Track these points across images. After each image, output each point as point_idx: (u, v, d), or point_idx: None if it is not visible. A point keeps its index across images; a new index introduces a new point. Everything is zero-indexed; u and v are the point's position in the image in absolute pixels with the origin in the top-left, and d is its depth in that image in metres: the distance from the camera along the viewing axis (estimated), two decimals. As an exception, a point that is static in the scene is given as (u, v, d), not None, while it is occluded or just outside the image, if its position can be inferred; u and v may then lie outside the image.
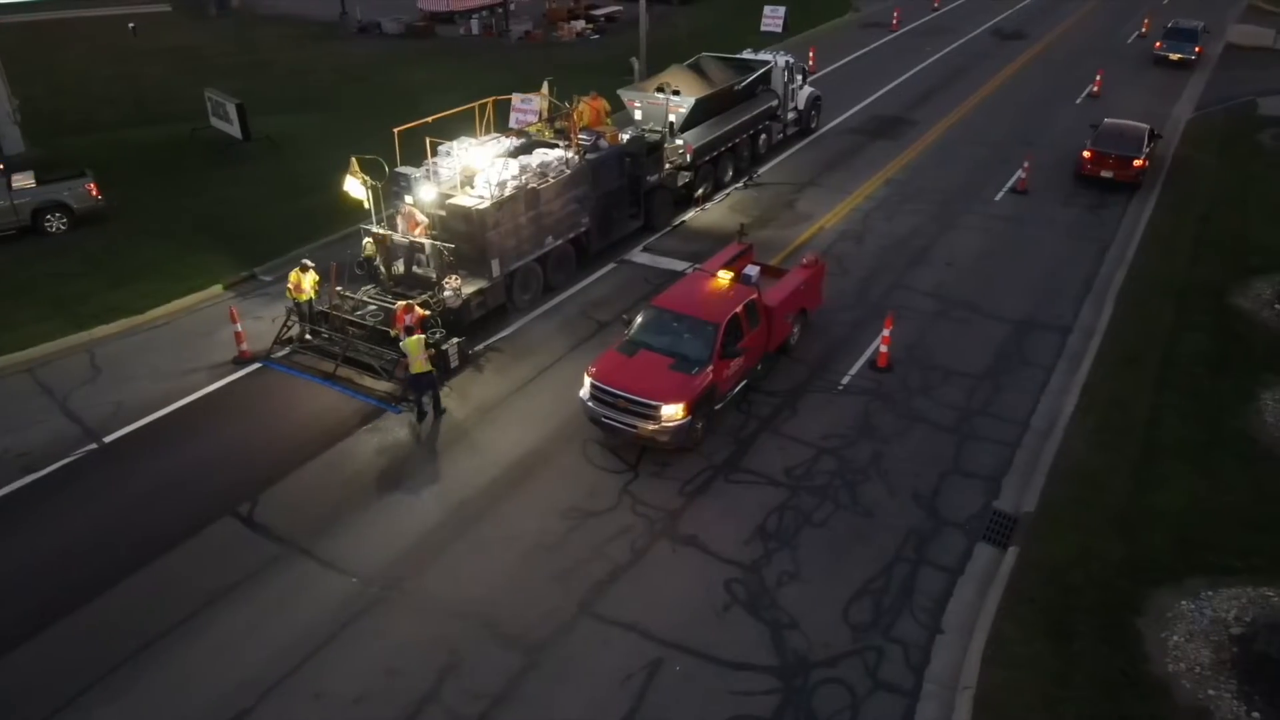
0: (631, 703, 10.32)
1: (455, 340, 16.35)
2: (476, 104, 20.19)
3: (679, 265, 20.41)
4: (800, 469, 14.04)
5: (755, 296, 15.34)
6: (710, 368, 14.16)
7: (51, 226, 21.87)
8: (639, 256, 21.08)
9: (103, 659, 10.90)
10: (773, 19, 41.91)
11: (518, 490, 13.70)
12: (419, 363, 14.72)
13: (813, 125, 29.50)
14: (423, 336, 15.01)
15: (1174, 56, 35.04)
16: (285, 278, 19.88)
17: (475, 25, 45.49)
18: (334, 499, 13.49)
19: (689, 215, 23.38)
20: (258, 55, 41.13)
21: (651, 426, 13.69)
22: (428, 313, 16.05)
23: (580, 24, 44.37)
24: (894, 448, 14.53)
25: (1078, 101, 31.98)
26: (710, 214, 23.49)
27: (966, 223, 22.60)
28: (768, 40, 37.10)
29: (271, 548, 12.59)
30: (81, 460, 14.35)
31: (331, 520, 13.09)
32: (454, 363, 16.27)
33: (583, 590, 11.83)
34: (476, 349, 17.20)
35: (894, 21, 43.71)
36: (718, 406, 14.73)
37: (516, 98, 29.18)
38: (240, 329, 16.90)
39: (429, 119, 18.73)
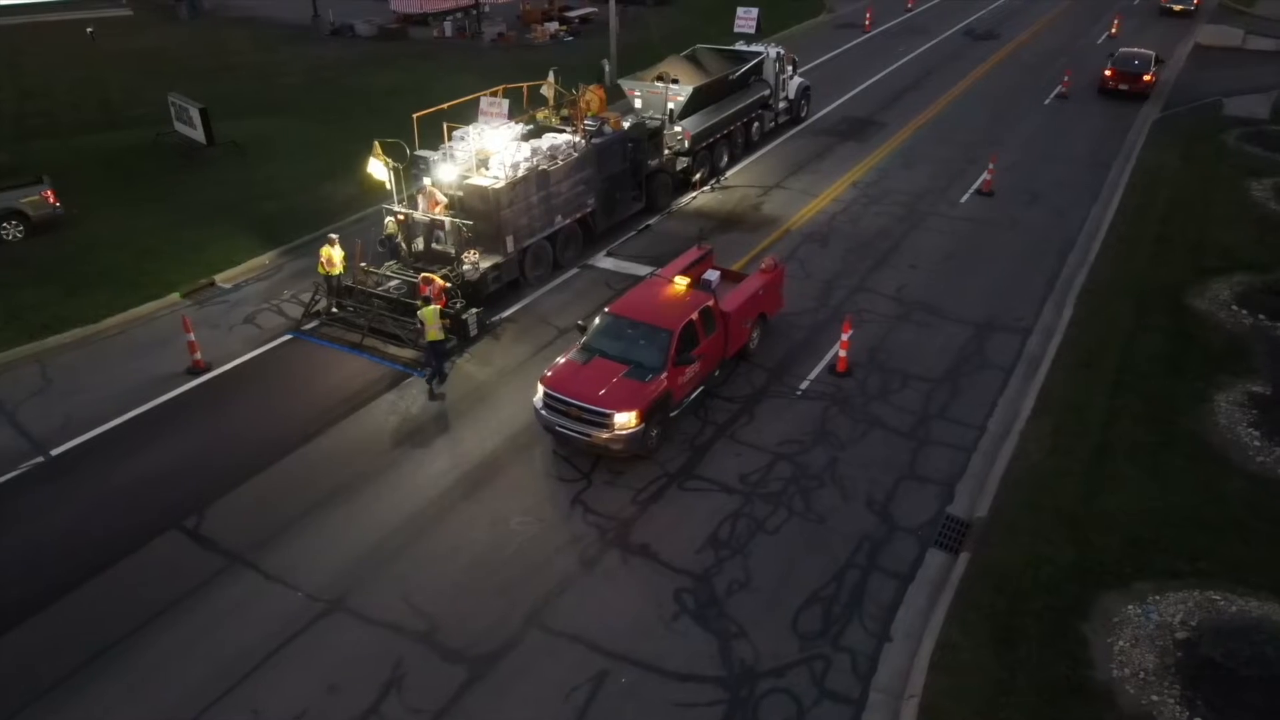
0: (575, 716, 10.23)
1: (474, 310, 17.44)
2: (488, 92, 21.34)
3: (641, 270, 20.34)
4: (755, 476, 13.99)
5: (711, 302, 15.28)
6: (664, 375, 14.09)
7: (7, 234, 21.56)
8: (602, 262, 20.99)
9: (38, 678, 10.72)
10: (745, 20, 41.79)
11: (470, 499, 13.59)
12: (433, 331, 15.63)
13: (802, 114, 30.64)
14: (438, 307, 15.90)
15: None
16: (244, 285, 19.86)
17: (449, 27, 45.25)
18: (285, 509, 13.33)
19: (687, 199, 24.34)
20: (227, 58, 40.76)
21: (604, 435, 13.60)
22: (448, 284, 17.00)
23: (554, 26, 44.21)
24: (850, 453, 14.51)
25: (1046, 102, 32.13)
26: (672, 222, 23.40)
27: (932, 225, 22.63)
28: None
29: (217, 561, 12.43)
30: (27, 474, 14.12)
31: (281, 530, 12.94)
32: (473, 331, 17.40)
33: (530, 601, 11.73)
34: (493, 320, 18.21)
35: (867, 22, 43.81)
36: (673, 414, 14.66)
37: (484, 98, 29.17)
38: (193, 338, 16.68)
39: (445, 105, 20.19)
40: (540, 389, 14.25)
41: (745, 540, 12.75)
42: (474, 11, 45.71)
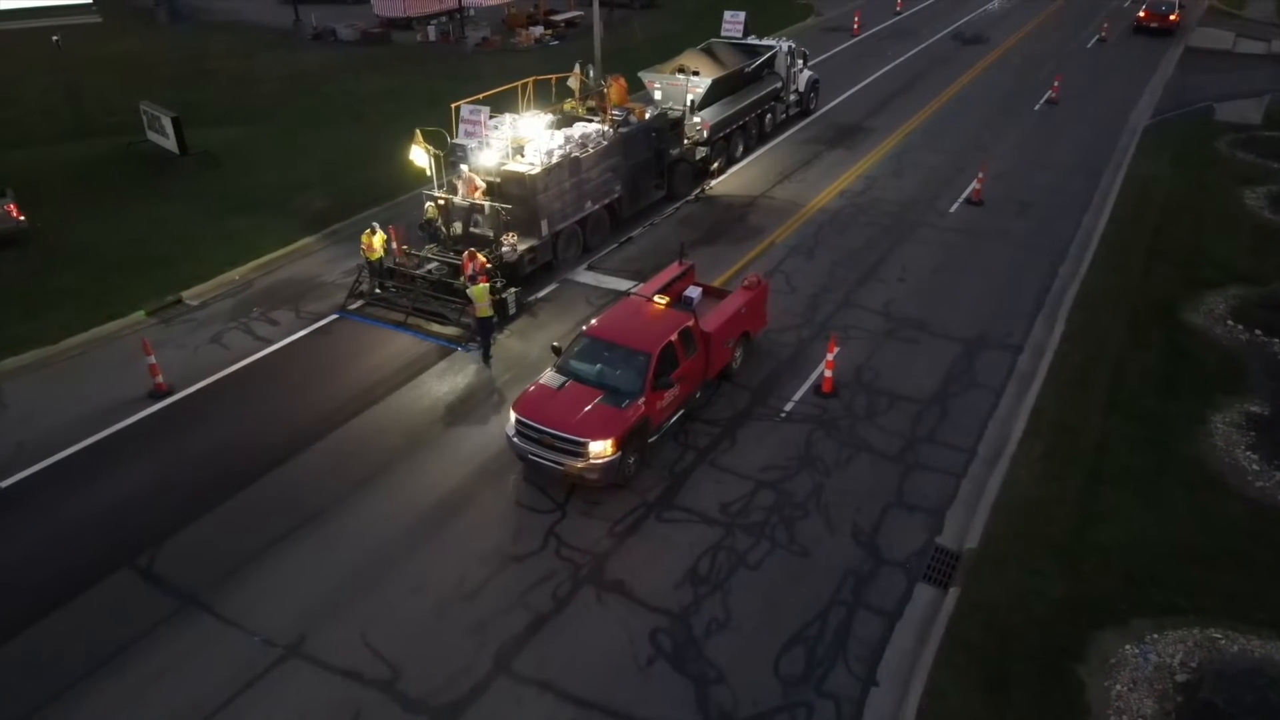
0: (543, 772, 9.67)
1: (513, 290, 18.36)
2: (519, 83, 22.26)
3: (621, 284, 19.79)
4: (737, 505, 13.44)
5: (691, 323, 14.72)
6: (642, 400, 13.54)
7: (-33, 250, 20.91)
8: (582, 276, 20.41)
9: (-26, 734, 10.12)
10: (733, 24, 41.17)
11: (439, 533, 12.99)
12: (484, 308, 16.41)
13: (811, 106, 31.39)
14: (488, 285, 16.74)
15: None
16: (211, 303, 19.25)
17: (432, 31, 44.60)
18: (245, 542, 12.73)
19: (705, 187, 25.07)
20: (206, 64, 40.02)
21: (579, 464, 13.04)
22: (488, 263, 17.81)
23: (539, 30, 43.63)
24: (835, 479, 13.97)
25: (1036, 108, 31.68)
26: (653, 234, 22.85)
27: (921, 235, 22.13)
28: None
29: (169, 603, 11.81)
30: (-26, 507, 13.49)
31: (239, 566, 12.34)
32: (512, 310, 18.32)
33: (498, 645, 11.15)
34: (529, 299, 19.09)
35: (855, 26, 43.35)
36: (652, 439, 14.11)
37: (464, 106, 28.61)
38: (154, 361, 16.03)
39: (480, 96, 20.97)
40: (512, 415, 13.68)
41: (725, 575, 12.20)
42: (458, 15, 45.07)
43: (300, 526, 13.11)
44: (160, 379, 16.11)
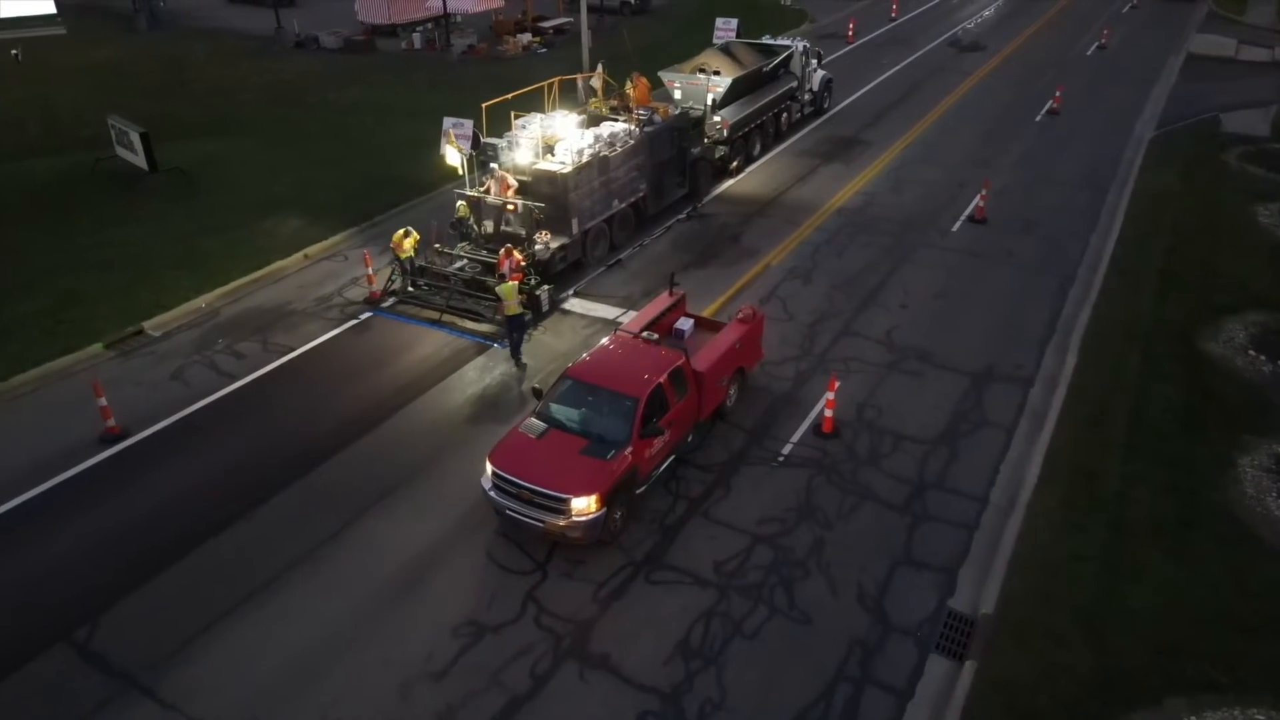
0: None
1: (546, 287, 18.58)
2: (545, 83, 22.78)
3: (610, 312, 18.77)
4: (732, 564, 12.40)
5: (682, 362, 13.69)
6: (629, 450, 12.49)
7: (-83, 276, 19.77)
8: (568, 302, 19.34)
9: None
10: (725, 31, 40.33)
11: (407, 598, 11.92)
12: (513, 306, 16.41)
13: (825, 105, 31.72)
14: (517, 283, 16.74)
15: None
16: (174, 334, 18.19)
17: (418, 39, 43.54)
18: (196, 611, 11.65)
19: (725, 185, 25.40)
20: (184, 73, 38.85)
21: (561, 522, 11.99)
22: (522, 260, 17.89)
23: (527, 37, 42.58)
24: (838, 533, 12.95)
25: (1038, 119, 30.76)
26: (643, 257, 21.83)
27: (922, 257, 21.14)
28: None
29: (105, 686, 10.70)
30: (-100, 571, 12.37)
31: (189, 640, 11.25)
32: (545, 306, 18.52)
33: (470, 734, 10.10)
34: (561, 296, 19.24)
35: (850, 33, 42.42)
36: (640, 490, 13.07)
37: (448, 119, 27.59)
38: (105, 403, 14.92)
39: (510, 95, 21.44)
40: (488, 466, 12.62)
41: (720, 646, 11.16)
42: (444, 22, 44.00)
43: (257, 592, 12.02)
44: (112, 422, 15.00)
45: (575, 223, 19.65)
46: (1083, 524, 12.85)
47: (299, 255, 21.43)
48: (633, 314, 18.24)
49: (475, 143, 27.06)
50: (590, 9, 35.15)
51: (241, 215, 23.40)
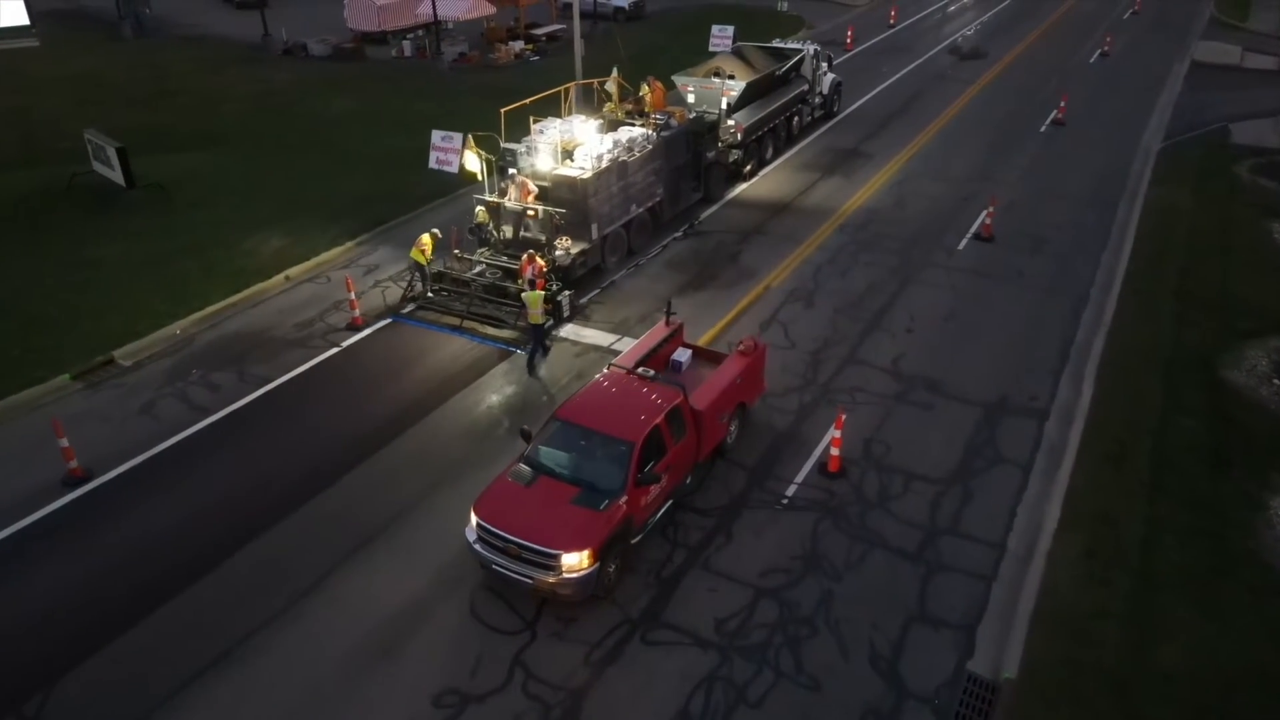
0: None
1: (567, 293, 18.52)
2: (561, 88, 23.15)
3: (604, 339, 17.95)
4: (734, 621, 11.57)
5: (680, 401, 12.86)
6: (624, 499, 11.66)
7: (-123, 302, 18.88)
8: (558, 327, 18.50)
9: None
10: (721, 38, 39.60)
11: (386, 663, 11.06)
12: (535, 315, 16.39)
13: (834, 109, 31.73)
14: (542, 292, 16.64)
15: None
16: (146, 364, 17.32)
17: (408, 46, 42.72)
18: (157, 678, 10.79)
19: (739, 189, 25.32)
20: (168, 82, 37.96)
21: (551, 579, 11.16)
22: (545, 265, 17.80)
23: (519, 45, 41.77)
24: (847, 586, 12.12)
25: (1042, 130, 30.02)
26: (638, 279, 21.01)
27: (928, 277, 20.36)
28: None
29: (56, 767, 9.86)
30: None
31: (149, 713, 10.39)
32: (566, 312, 18.46)
33: (450, 823, 9.26)
34: (581, 301, 19.19)
35: (848, 40, 41.68)
36: (635, 540, 12.23)
37: (436, 133, 26.81)
38: (66, 444, 14.03)
39: (528, 100, 21.58)
40: (472, 517, 11.78)
41: (723, 717, 10.32)
42: (434, 30, 43.18)
43: (224, 657, 11.15)
44: (75, 463, 14.12)
45: (595, 228, 19.62)
46: (1108, 575, 12.04)
47: (280, 277, 20.57)
48: (626, 340, 17.49)
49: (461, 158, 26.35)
50: (584, 16, 34.44)
51: (222, 234, 22.54)
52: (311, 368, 17.18)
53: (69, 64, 40.83)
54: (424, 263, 18.77)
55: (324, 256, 21.48)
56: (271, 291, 20.13)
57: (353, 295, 18.58)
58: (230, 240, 22.15)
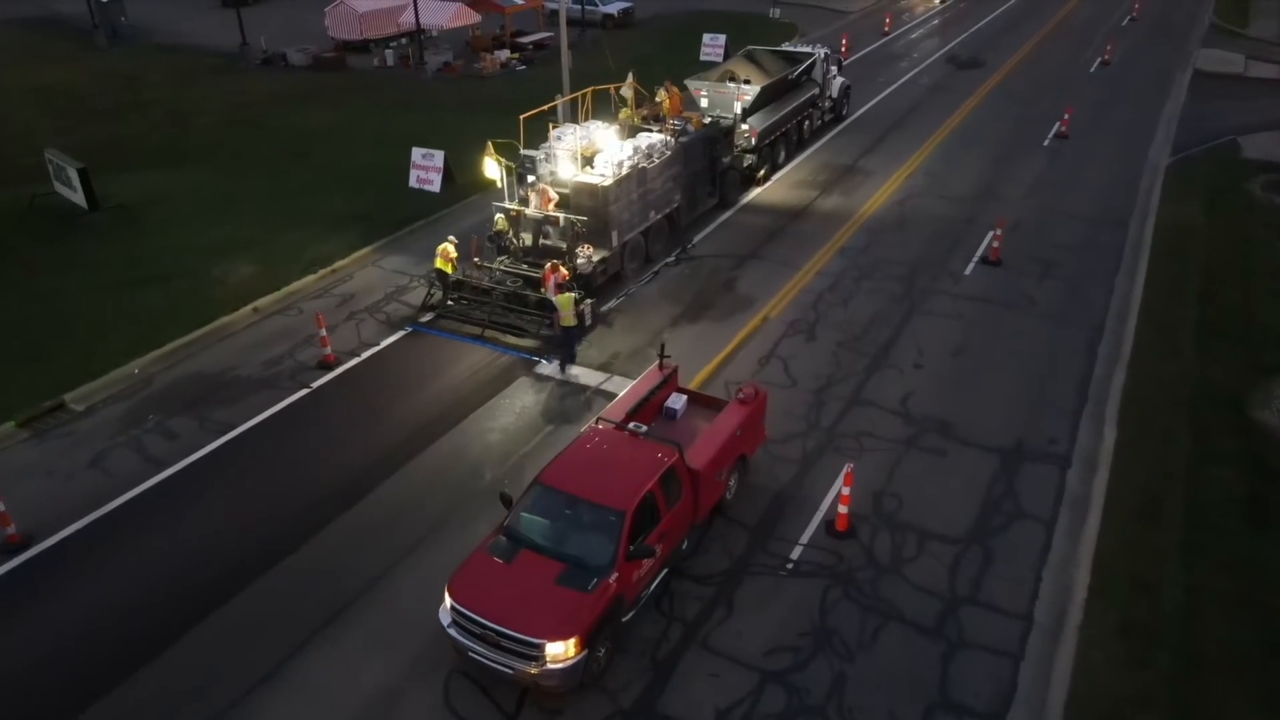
0: None
1: (589, 301, 18.01)
2: (579, 93, 22.85)
3: (593, 378, 16.81)
4: (738, 712, 10.44)
5: (675, 461, 11.72)
6: (613, 576, 10.52)
7: None
8: (544, 367, 17.34)
9: None
10: (713, 48, 38.72)
11: (349, 766, 9.91)
12: (569, 317, 16.36)
13: (844, 113, 31.56)
14: (573, 295, 16.53)
15: None
16: (99, 408, 16.06)
17: (390, 56, 41.52)
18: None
19: (753, 193, 25.25)
20: (140, 94, 36.70)
21: (533, 670, 10.01)
22: (568, 274, 17.71)
23: (505, 54, 40.57)
24: (861, 666, 11.01)
25: (1045, 143, 29.02)
26: (631, 304, 19.88)
27: (935, 305, 19.28)
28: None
29: None
30: None
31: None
32: (588, 320, 17.98)
33: None
34: (603, 309, 18.92)
35: (843, 49, 40.57)
36: (626, 618, 11.08)
37: (417, 151, 25.73)
38: (3, 509, 12.79)
39: (545, 107, 21.69)
40: (447, 599, 10.61)
41: (726, 831, 9.21)
42: (418, 38, 41.97)
43: (166, 759, 9.98)
44: (13, 529, 12.89)
45: (615, 235, 19.40)
46: (1147, 655, 10.97)
47: (248, 309, 19.35)
48: (616, 380, 16.38)
49: (447, 175, 25.14)
50: (571, 23, 33.29)
51: (188, 260, 21.31)
52: (278, 412, 15.97)
53: (37, 75, 39.51)
54: (450, 271, 18.52)
55: (295, 286, 20.27)
56: (238, 325, 18.90)
57: (323, 332, 17.37)
58: (196, 268, 20.92)
